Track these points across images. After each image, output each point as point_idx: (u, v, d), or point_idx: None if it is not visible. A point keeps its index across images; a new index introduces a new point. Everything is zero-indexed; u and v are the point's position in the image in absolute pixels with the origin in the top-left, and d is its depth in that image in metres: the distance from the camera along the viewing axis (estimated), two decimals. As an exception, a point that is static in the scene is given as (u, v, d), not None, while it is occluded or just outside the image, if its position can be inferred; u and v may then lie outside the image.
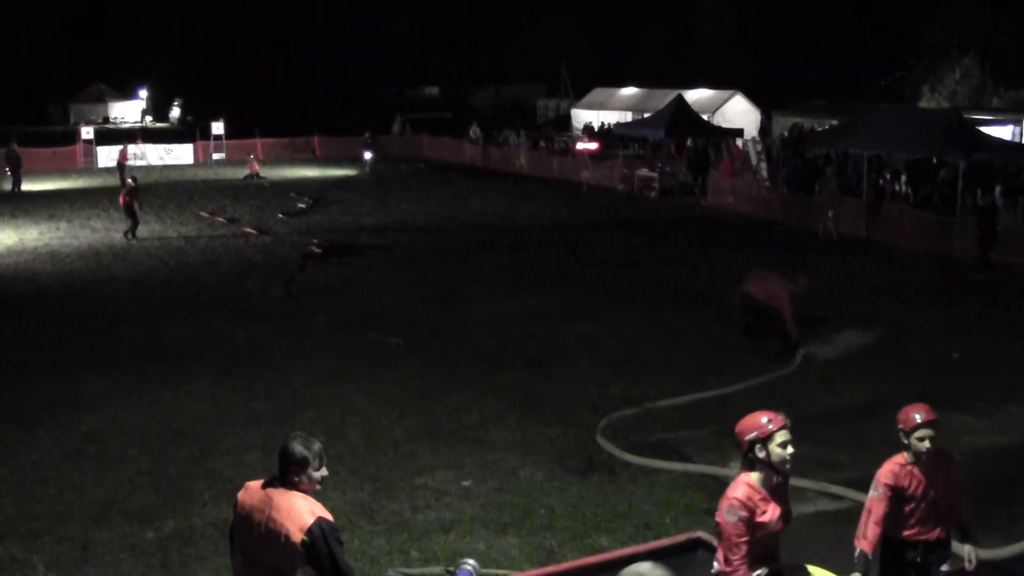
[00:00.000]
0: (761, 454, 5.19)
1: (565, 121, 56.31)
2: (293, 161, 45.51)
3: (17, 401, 12.42)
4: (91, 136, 44.65)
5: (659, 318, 16.43)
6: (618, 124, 45.06)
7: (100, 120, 71.73)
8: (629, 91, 52.75)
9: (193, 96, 72.70)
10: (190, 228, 26.66)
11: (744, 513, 5.09)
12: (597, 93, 54.98)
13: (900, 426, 5.97)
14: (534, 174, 39.89)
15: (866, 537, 5.97)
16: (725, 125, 40.81)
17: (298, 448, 4.91)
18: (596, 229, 26.34)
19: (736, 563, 5.15)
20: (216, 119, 45.80)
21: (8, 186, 35.28)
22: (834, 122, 35.20)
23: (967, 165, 23.88)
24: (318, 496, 4.98)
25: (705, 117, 40.91)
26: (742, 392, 12.43)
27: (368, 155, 41.43)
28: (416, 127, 53.41)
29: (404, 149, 49.11)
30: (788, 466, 5.27)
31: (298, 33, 74.99)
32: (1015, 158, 27.12)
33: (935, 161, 26.56)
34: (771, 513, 5.20)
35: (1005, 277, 19.83)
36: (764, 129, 43.87)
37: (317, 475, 4.95)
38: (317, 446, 4.97)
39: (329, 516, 4.87)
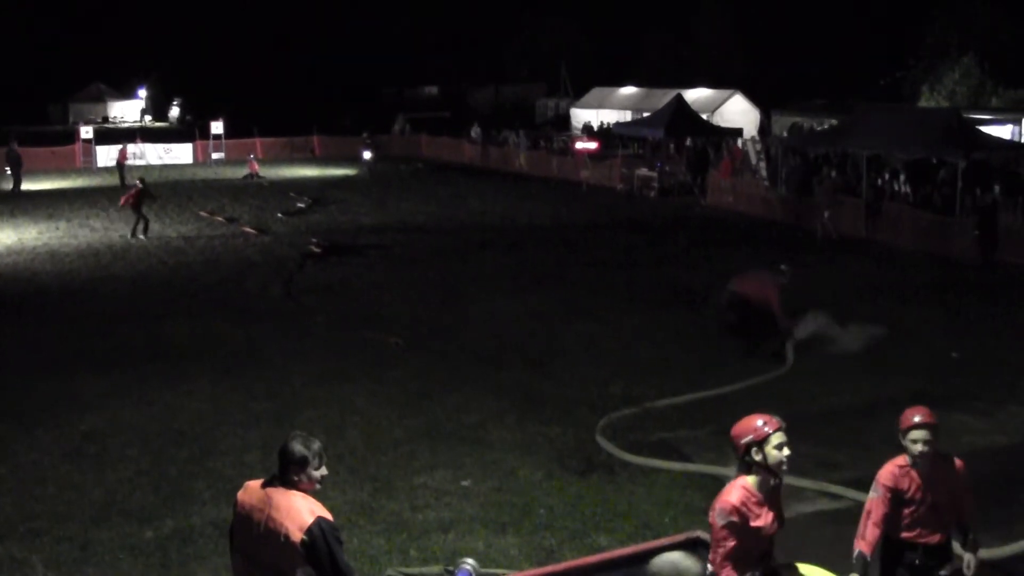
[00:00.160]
0: (758, 457, 5.17)
1: (564, 121, 56.31)
2: (292, 161, 45.51)
3: (16, 400, 12.42)
4: (90, 136, 44.67)
5: (658, 318, 16.43)
6: (617, 124, 45.08)
7: (99, 120, 71.71)
8: (628, 91, 52.75)
9: (192, 96, 72.72)
10: (189, 228, 26.66)
11: (735, 518, 5.08)
12: (596, 93, 54.98)
13: (899, 426, 5.98)
14: (533, 174, 39.89)
15: (865, 538, 5.97)
16: (724, 125, 40.82)
17: (298, 447, 4.91)
18: (595, 229, 26.33)
19: (718, 563, 5.14)
20: (215, 119, 45.85)
21: (8, 185, 35.28)
22: (833, 122, 35.20)
23: (967, 165, 23.88)
24: (318, 495, 4.98)
25: (704, 117, 40.90)
26: (741, 392, 12.43)
27: (367, 155, 41.45)
28: (415, 127, 53.43)
29: (403, 149, 49.11)
30: (785, 468, 5.26)
31: (298, 33, 74.96)
32: (1014, 157, 27.15)
33: (935, 161, 26.56)
34: (765, 517, 5.20)
35: (1005, 277, 19.83)
36: (763, 129, 43.86)
37: (317, 474, 4.95)
38: (317, 445, 4.96)
39: (329, 515, 4.86)
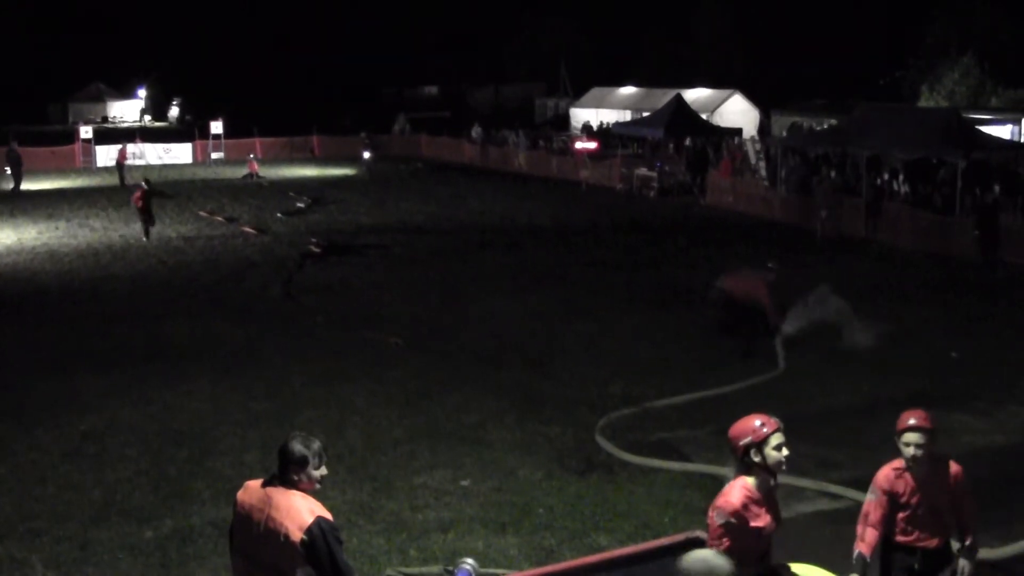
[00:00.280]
0: (757, 458, 5.16)
1: (564, 120, 56.29)
2: (292, 160, 45.50)
3: (16, 400, 12.42)
4: (90, 135, 44.66)
5: (658, 318, 16.43)
6: (617, 123, 45.08)
7: (99, 119, 71.63)
8: (628, 90, 52.74)
9: (192, 95, 72.68)
10: (189, 227, 26.65)
11: (733, 519, 5.07)
12: (596, 92, 54.96)
13: (895, 429, 5.96)
14: (533, 173, 39.88)
15: (864, 540, 5.97)
16: (724, 125, 40.82)
17: (298, 447, 4.90)
18: (595, 229, 26.33)
19: None
20: (215, 118, 45.83)
21: (8, 185, 35.27)
22: (833, 121, 35.20)
23: (966, 165, 23.88)
24: (317, 495, 4.98)
25: (704, 116, 40.93)
26: (741, 392, 12.42)
27: (367, 155, 41.46)
28: (415, 127, 53.42)
29: (403, 149, 49.10)
30: (784, 468, 5.25)
31: (298, 33, 74.94)
32: (1013, 157, 27.15)
33: (935, 161, 26.56)
34: (765, 517, 5.19)
35: (1005, 277, 19.83)
36: (763, 128, 43.86)
37: (317, 474, 4.95)
38: (316, 445, 4.96)
39: (328, 515, 4.86)
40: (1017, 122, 36.57)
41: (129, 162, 39.13)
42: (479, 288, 18.95)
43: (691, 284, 18.95)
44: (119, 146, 40.38)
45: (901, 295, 18.11)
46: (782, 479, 5.43)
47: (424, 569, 7.84)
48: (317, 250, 22.96)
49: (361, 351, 14.51)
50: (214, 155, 45.19)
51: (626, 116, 47.24)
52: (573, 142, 42.64)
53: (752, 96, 47.48)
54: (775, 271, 14.92)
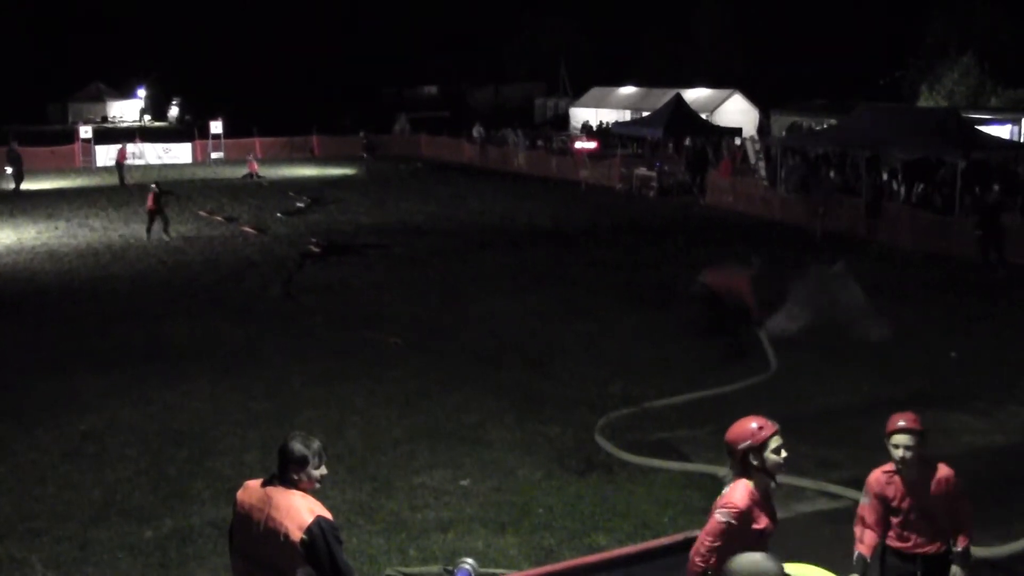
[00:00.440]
0: (756, 462, 5.15)
1: (564, 120, 56.31)
2: (292, 160, 45.50)
3: (16, 400, 12.42)
4: (90, 135, 44.65)
5: (658, 318, 16.42)
6: (617, 123, 45.11)
7: (99, 119, 71.65)
8: (628, 90, 52.76)
9: (192, 95, 72.70)
10: (189, 227, 26.64)
11: (735, 521, 5.06)
12: (596, 92, 54.98)
13: (884, 431, 5.95)
14: (532, 173, 39.87)
15: (863, 541, 5.97)
16: (723, 124, 40.83)
17: (297, 447, 4.91)
18: (595, 229, 26.32)
19: (703, 554, 5.09)
20: (214, 118, 45.81)
21: (8, 185, 35.26)
22: (832, 121, 35.20)
23: (966, 165, 23.88)
24: (317, 495, 4.98)
25: (704, 116, 40.94)
26: (740, 392, 12.43)
27: (365, 155, 41.48)
28: (415, 126, 53.42)
29: (403, 148, 49.11)
30: (783, 470, 5.24)
31: (298, 33, 74.94)
32: (1013, 157, 27.15)
33: (934, 160, 26.56)
34: (764, 518, 5.19)
35: (1005, 276, 19.81)
36: (763, 128, 43.86)
37: (316, 473, 4.95)
38: (316, 444, 4.97)
39: (328, 515, 4.86)
40: (1017, 122, 36.57)
41: (129, 162, 39.12)
42: (479, 288, 18.95)
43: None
44: (119, 146, 40.36)
45: (901, 295, 18.09)
46: (781, 479, 5.43)
47: (424, 569, 7.84)
48: (317, 250, 22.96)
49: (361, 351, 14.51)
50: (214, 155, 45.19)
51: (626, 116, 47.26)
52: (573, 142, 42.65)
53: (752, 96, 47.50)
54: (757, 265, 15.02)
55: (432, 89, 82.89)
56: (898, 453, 5.81)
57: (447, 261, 21.77)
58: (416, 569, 7.86)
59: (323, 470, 4.99)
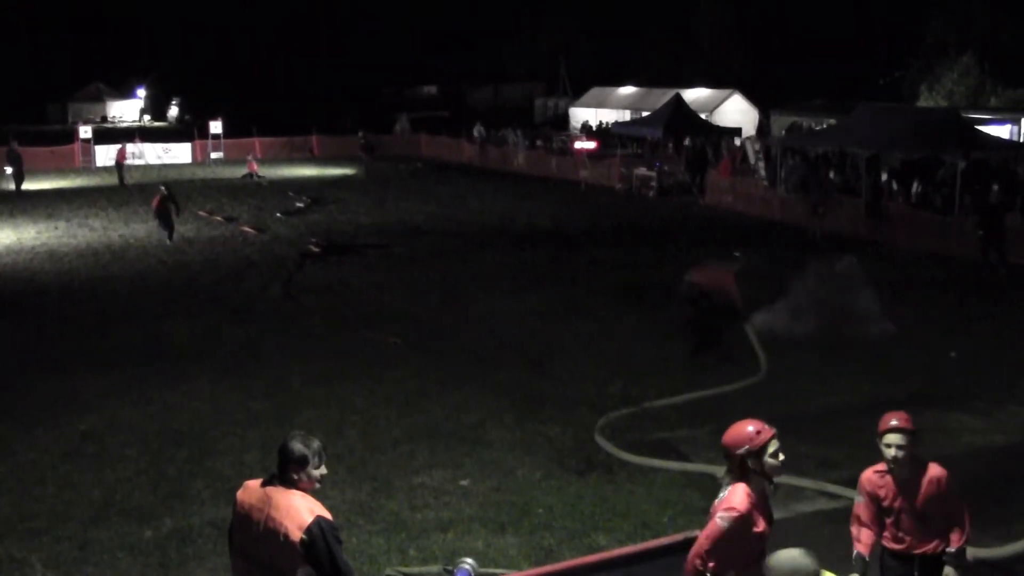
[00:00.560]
0: (754, 465, 5.14)
1: (563, 120, 56.32)
2: (291, 160, 45.49)
3: (16, 400, 12.41)
4: (89, 135, 44.64)
5: (657, 317, 16.41)
6: (616, 123, 45.13)
7: (98, 119, 71.63)
8: (627, 90, 52.77)
9: (191, 95, 72.69)
10: (188, 227, 26.62)
11: (737, 524, 5.06)
12: (595, 92, 55.00)
13: (876, 430, 5.94)
14: (532, 173, 39.87)
15: (860, 540, 5.96)
16: (723, 124, 40.83)
17: (297, 446, 4.90)
18: (594, 229, 26.33)
19: (703, 557, 5.10)
20: (214, 118, 45.80)
21: (8, 185, 35.24)
22: (832, 121, 35.21)
23: (966, 165, 23.87)
24: (317, 495, 4.98)
25: (703, 116, 40.95)
26: (740, 391, 12.43)
27: (365, 154, 41.48)
28: (415, 126, 53.42)
29: (402, 148, 49.10)
30: (781, 473, 5.23)
31: (298, 33, 74.97)
32: (1013, 157, 27.15)
33: (932, 160, 26.55)
34: (763, 521, 5.19)
35: (1005, 276, 19.81)
36: (762, 128, 43.87)
37: (316, 473, 4.95)
38: (316, 444, 4.96)
39: (328, 515, 4.86)
40: (1016, 122, 36.60)
41: (128, 162, 39.11)
42: (479, 288, 18.94)
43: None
44: (118, 146, 40.35)
45: (901, 295, 18.09)
46: (781, 479, 5.42)
47: (423, 569, 7.84)
48: (316, 250, 22.95)
49: (361, 351, 14.51)
50: (213, 155, 45.18)
51: (625, 116, 47.28)
52: (572, 142, 42.64)
53: (751, 96, 47.51)
54: (740, 260, 15.11)
55: (432, 89, 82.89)
56: (890, 452, 5.80)
57: (447, 261, 21.77)
58: (416, 569, 7.86)
59: (323, 470, 4.99)
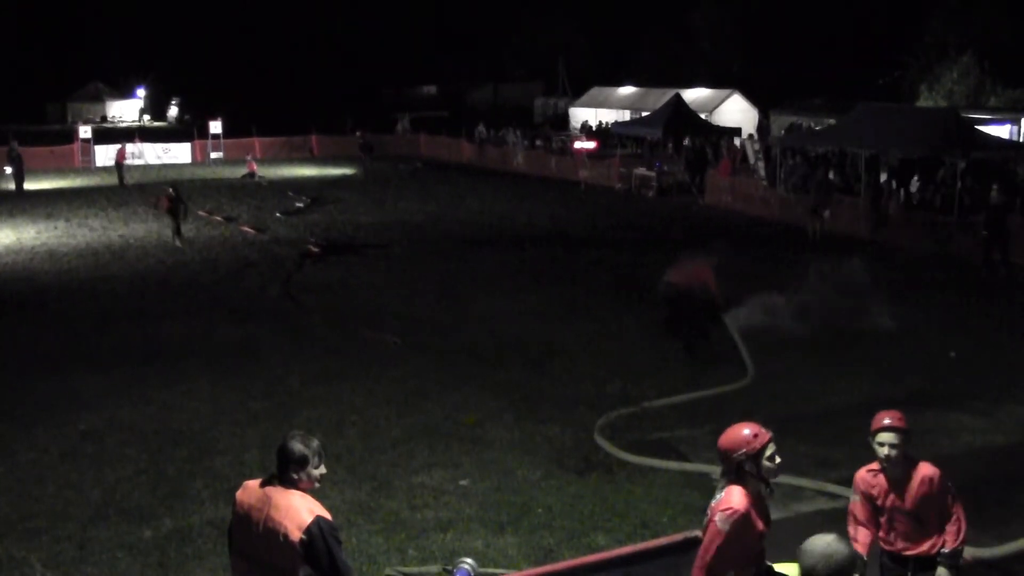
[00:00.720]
0: (751, 469, 5.14)
1: (563, 120, 56.31)
2: (291, 160, 45.49)
3: (15, 400, 12.41)
4: (89, 135, 44.65)
5: (656, 317, 16.41)
6: (616, 123, 45.10)
7: (98, 119, 71.63)
8: (627, 90, 52.76)
9: (191, 95, 72.70)
10: (188, 227, 26.59)
11: (737, 527, 5.05)
12: (595, 92, 55.01)
13: (869, 428, 5.94)
14: (532, 173, 39.88)
15: (857, 539, 5.96)
16: (723, 124, 40.82)
17: (297, 446, 4.90)
18: (594, 228, 26.33)
19: (708, 562, 5.09)
20: (214, 118, 45.82)
21: (8, 185, 35.22)
22: (832, 121, 35.20)
23: (966, 165, 23.87)
24: (316, 495, 4.97)
25: (703, 116, 40.93)
26: (739, 391, 12.42)
27: (363, 154, 41.52)
28: (414, 126, 53.42)
29: (402, 148, 49.09)
30: (777, 475, 5.23)
31: (297, 33, 74.96)
32: (1012, 157, 27.14)
33: (930, 160, 26.55)
34: (761, 522, 5.19)
35: (1006, 276, 19.83)
36: (762, 128, 43.87)
37: (316, 473, 4.94)
38: (316, 443, 4.96)
39: (327, 515, 4.86)
40: (1016, 122, 36.59)
41: (128, 162, 39.11)
42: (478, 288, 18.95)
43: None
44: (118, 146, 40.37)
45: (900, 295, 18.09)
46: (781, 479, 5.42)
47: (423, 569, 7.85)
48: (316, 250, 22.95)
49: (360, 350, 14.51)
50: (213, 155, 45.19)
51: (625, 116, 47.27)
52: (572, 142, 42.64)
53: (751, 96, 47.50)
54: (717, 255, 15.17)
55: (431, 89, 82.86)
56: (883, 451, 5.80)
57: (446, 261, 21.78)
58: (415, 569, 7.86)
59: (322, 469, 4.99)
